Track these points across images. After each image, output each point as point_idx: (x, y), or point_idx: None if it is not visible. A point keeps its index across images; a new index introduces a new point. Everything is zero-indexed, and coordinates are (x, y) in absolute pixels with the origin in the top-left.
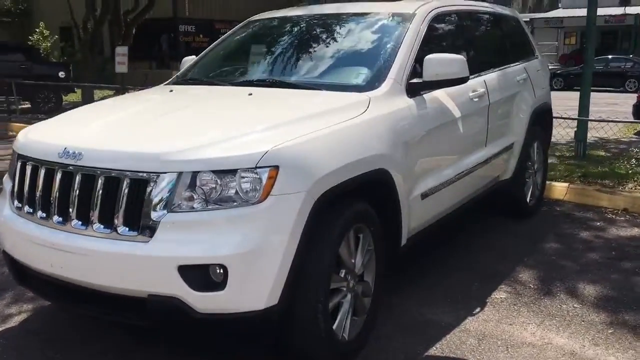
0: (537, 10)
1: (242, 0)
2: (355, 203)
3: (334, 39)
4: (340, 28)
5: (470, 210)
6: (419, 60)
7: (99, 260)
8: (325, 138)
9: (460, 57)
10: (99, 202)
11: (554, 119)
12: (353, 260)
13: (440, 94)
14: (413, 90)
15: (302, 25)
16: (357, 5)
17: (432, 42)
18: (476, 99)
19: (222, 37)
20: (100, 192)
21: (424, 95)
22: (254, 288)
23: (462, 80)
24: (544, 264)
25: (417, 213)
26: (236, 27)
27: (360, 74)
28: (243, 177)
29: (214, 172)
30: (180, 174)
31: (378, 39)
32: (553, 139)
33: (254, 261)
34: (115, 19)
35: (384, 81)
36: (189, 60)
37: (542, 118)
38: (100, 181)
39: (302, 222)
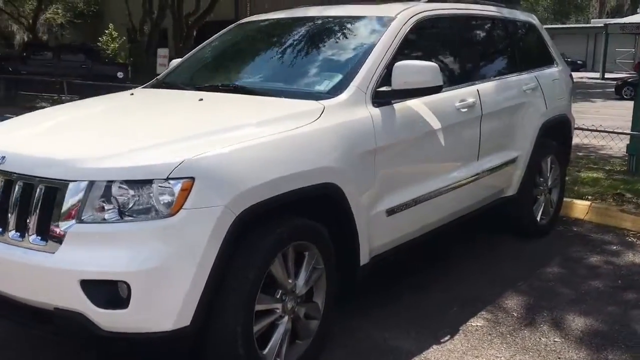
0: (617, 15)
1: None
2: (295, 219)
3: (308, 44)
4: (317, 32)
5: (470, 227)
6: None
7: (12, 269)
8: (258, 148)
9: (432, 65)
10: (15, 208)
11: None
12: (291, 280)
13: (415, 103)
14: (381, 99)
15: (279, 30)
16: (340, 8)
17: (414, 48)
18: (464, 110)
19: (208, 40)
20: (17, 198)
21: (395, 105)
22: (161, 307)
23: (435, 90)
24: (538, 290)
25: (382, 231)
26: (224, 30)
27: (323, 81)
28: (156, 189)
29: (127, 182)
30: (91, 183)
31: (351, 45)
32: (607, 152)
33: (160, 279)
34: (177, 22)
35: (346, 89)
36: (175, 62)
37: (557, 131)
38: (17, 187)
39: (219, 238)
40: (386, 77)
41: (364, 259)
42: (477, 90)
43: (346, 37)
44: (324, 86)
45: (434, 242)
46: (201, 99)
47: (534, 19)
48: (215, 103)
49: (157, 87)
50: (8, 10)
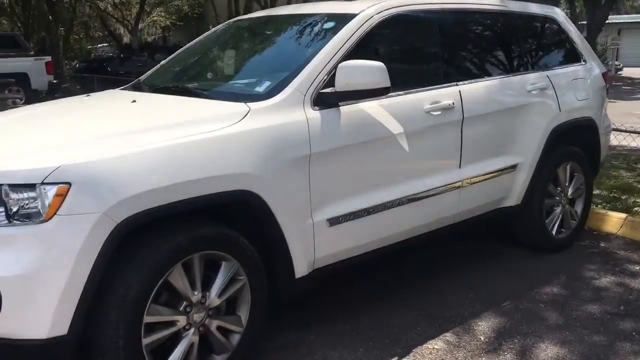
0: None
1: None
2: (202, 227)
3: (264, 45)
4: (275, 32)
5: (480, 237)
6: None
7: None
8: (152, 153)
9: (377, 65)
10: None
11: None
12: (197, 292)
13: (371, 106)
14: (325, 102)
15: (243, 31)
16: (313, 6)
17: (378, 47)
18: (437, 112)
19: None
20: None
21: (343, 108)
22: (33, 315)
23: (382, 91)
24: (522, 312)
25: (325, 241)
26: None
27: (264, 82)
28: (31, 193)
29: (11, 185)
30: None
31: (303, 44)
32: None
33: (31, 285)
34: None
35: (282, 90)
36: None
37: (578, 136)
38: None
39: (96, 246)
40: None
41: (300, 270)
42: (459, 92)
43: (303, 36)
44: (263, 87)
45: (425, 250)
46: (134, 101)
47: (555, 14)
48: (145, 105)
49: (129, 88)
50: (116, 15)
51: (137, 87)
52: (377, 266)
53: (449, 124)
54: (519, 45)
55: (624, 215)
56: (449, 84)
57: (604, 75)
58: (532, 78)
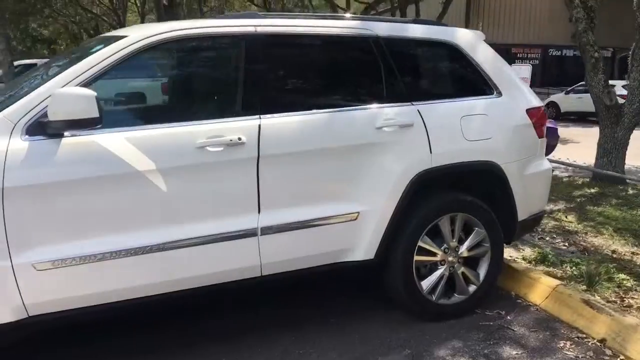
0: None
1: (545, 24)
2: None
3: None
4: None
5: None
6: None
7: None
8: None
9: (85, 93)
10: None
11: None
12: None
13: (108, 137)
14: (45, 131)
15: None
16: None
17: (141, 75)
18: (216, 149)
19: None
20: None
21: (68, 139)
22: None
23: (91, 122)
24: None
25: (35, 287)
26: None
27: None
28: None
29: None
30: None
31: (60, 69)
32: None
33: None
34: None
35: None
36: None
37: (475, 183)
38: None
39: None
40: None
41: (5, 316)
42: (259, 126)
43: (71, 61)
44: None
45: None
46: None
47: (453, 38)
48: None
49: None
50: None
51: None
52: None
53: (237, 162)
54: (370, 74)
55: (555, 282)
56: (245, 117)
57: (530, 111)
58: (388, 113)
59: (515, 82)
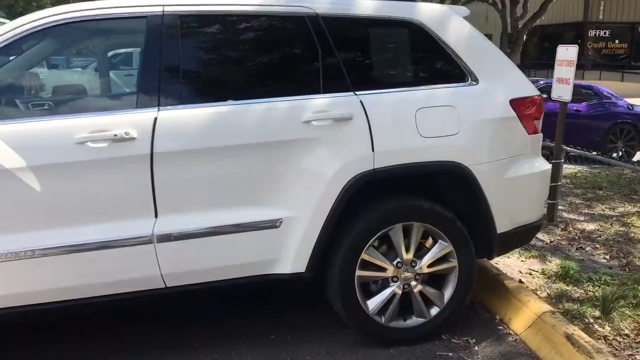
0: None
1: None
2: None
3: None
4: None
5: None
6: None
7: None
8: None
9: None
10: None
11: None
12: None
13: None
14: None
15: None
16: None
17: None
18: (99, 144)
19: None
20: None
21: None
22: None
23: None
24: None
25: None
26: None
27: None
28: None
29: None
30: None
31: None
32: None
33: None
34: (505, 26)
35: None
36: None
37: (439, 187)
38: None
39: None
40: None
41: None
42: (154, 119)
43: None
44: None
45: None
46: None
47: (418, 15)
48: None
49: None
50: None
51: None
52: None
53: (125, 160)
54: (304, 60)
55: (543, 308)
56: (139, 110)
57: (516, 102)
58: (319, 104)
59: (501, 67)
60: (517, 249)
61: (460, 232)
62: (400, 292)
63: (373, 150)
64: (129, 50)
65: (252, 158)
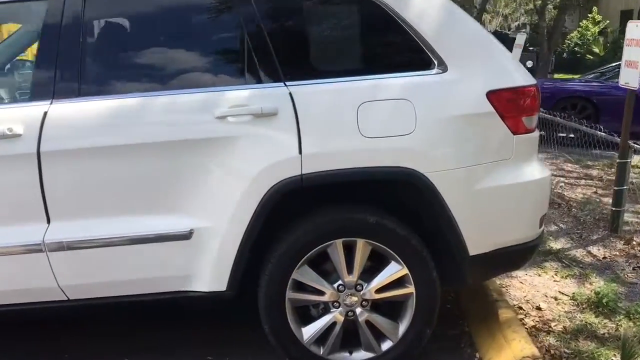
0: None
1: None
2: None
3: None
4: None
5: None
6: None
7: None
8: None
9: None
10: None
11: None
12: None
13: None
14: None
15: None
16: None
17: None
18: None
19: None
20: None
21: None
22: None
23: None
24: None
25: None
26: None
27: None
28: None
29: None
30: None
31: None
32: None
33: None
34: None
35: None
36: None
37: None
38: None
39: None
40: None
41: None
42: (44, 114)
43: None
44: None
45: None
46: None
47: None
48: None
49: None
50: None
51: None
52: None
53: (9, 159)
54: (224, 44)
55: (529, 350)
56: (29, 103)
57: (495, 94)
58: (237, 97)
59: (481, 51)
60: (554, 265)
61: (416, 252)
62: (342, 319)
63: (300, 152)
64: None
65: (156, 159)
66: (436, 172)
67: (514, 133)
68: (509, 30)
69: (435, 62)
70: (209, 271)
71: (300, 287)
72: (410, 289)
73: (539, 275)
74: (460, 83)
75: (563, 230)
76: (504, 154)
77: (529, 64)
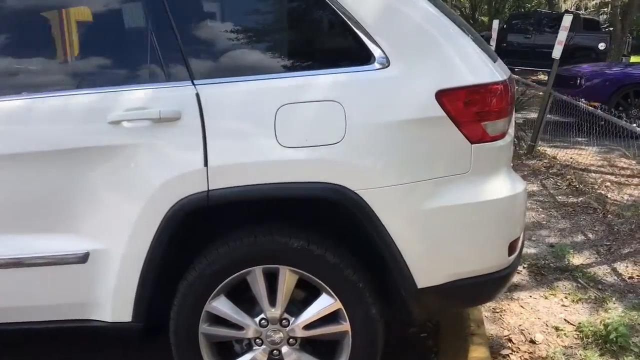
0: None
1: None
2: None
3: None
4: None
5: None
6: None
7: None
8: None
9: None
10: None
11: None
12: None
13: None
14: None
15: None
16: None
17: None
18: None
19: None
20: None
21: None
22: None
23: None
24: None
25: None
26: None
27: None
28: None
29: None
30: None
31: None
32: None
33: None
34: None
35: None
36: None
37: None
38: None
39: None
40: None
41: None
42: None
43: None
44: None
45: None
46: None
47: None
48: None
49: None
50: None
51: None
52: None
53: None
54: (123, 36)
55: None
56: None
57: (447, 93)
58: (134, 98)
59: (433, 39)
60: (567, 285)
61: (351, 284)
62: (265, 358)
63: (206, 165)
64: None
65: (43, 171)
66: (371, 189)
67: (472, 142)
68: (585, 10)
69: (375, 55)
70: (110, 299)
71: (219, 320)
72: (345, 326)
73: (546, 298)
74: (404, 80)
75: (590, 242)
76: (459, 167)
77: (602, 46)
